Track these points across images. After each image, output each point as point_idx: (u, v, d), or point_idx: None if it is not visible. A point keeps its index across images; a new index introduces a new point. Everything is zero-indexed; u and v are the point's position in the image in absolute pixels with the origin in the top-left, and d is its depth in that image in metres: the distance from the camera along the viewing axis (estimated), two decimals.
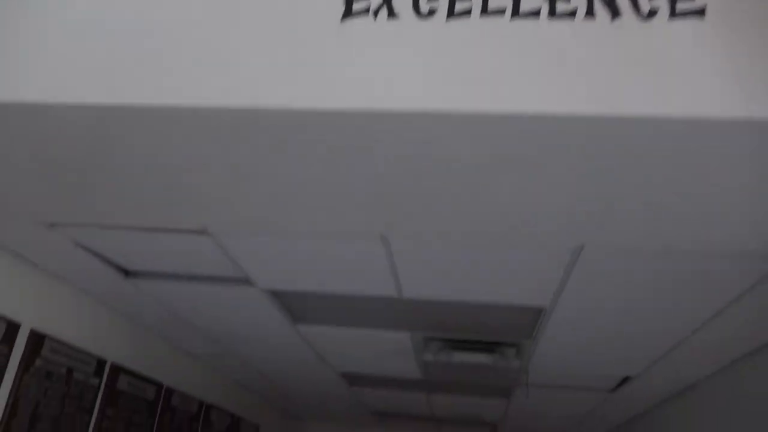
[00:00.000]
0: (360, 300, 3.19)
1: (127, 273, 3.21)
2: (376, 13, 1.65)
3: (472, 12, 1.60)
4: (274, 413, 7.17)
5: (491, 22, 1.59)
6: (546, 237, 2.18)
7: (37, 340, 3.16)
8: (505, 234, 2.19)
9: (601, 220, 2.01)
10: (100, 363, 3.71)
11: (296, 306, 3.44)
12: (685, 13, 1.51)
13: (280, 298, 3.30)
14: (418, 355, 4.21)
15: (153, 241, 2.69)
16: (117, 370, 3.90)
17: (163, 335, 4.39)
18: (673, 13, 1.52)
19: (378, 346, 4.07)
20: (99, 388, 3.70)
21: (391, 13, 1.64)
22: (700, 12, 1.51)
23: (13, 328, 3.00)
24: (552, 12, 1.57)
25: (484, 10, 1.60)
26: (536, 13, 1.57)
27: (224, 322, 3.85)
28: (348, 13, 1.67)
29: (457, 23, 1.60)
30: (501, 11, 1.59)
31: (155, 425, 4.40)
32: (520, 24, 1.57)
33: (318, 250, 2.58)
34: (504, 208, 2.00)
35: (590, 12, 1.56)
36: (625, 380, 4.12)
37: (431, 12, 1.62)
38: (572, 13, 1.56)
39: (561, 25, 1.56)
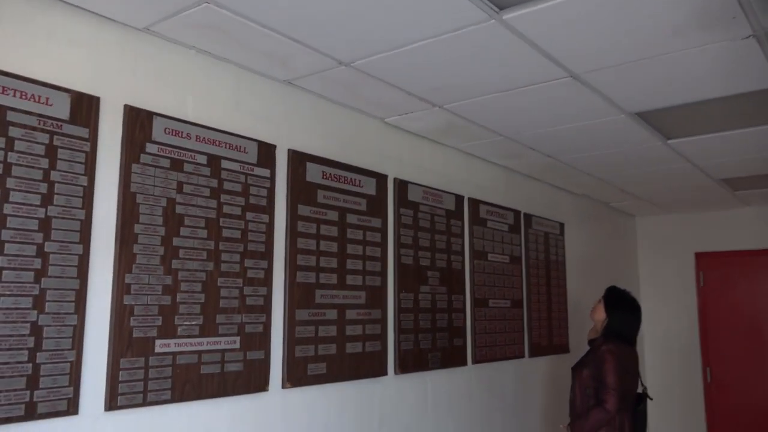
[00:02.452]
0: None
1: None
2: None
3: None
4: (584, 207, 5.71)
5: None
6: None
7: (136, 117, 2.32)
8: None
9: None
10: (266, 147, 2.78)
11: None
12: None
13: None
14: (758, 25, 2.26)
15: None
16: (301, 157, 2.95)
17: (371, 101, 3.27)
18: None
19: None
20: (273, 180, 2.79)
21: None
22: None
23: (85, 100, 2.17)
24: None
25: None
26: None
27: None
28: None
29: None
30: None
31: (396, 227, 3.42)
32: None
33: None
34: None
35: None
36: None
37: None
38: None
39: None
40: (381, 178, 3.39)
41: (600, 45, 2.47)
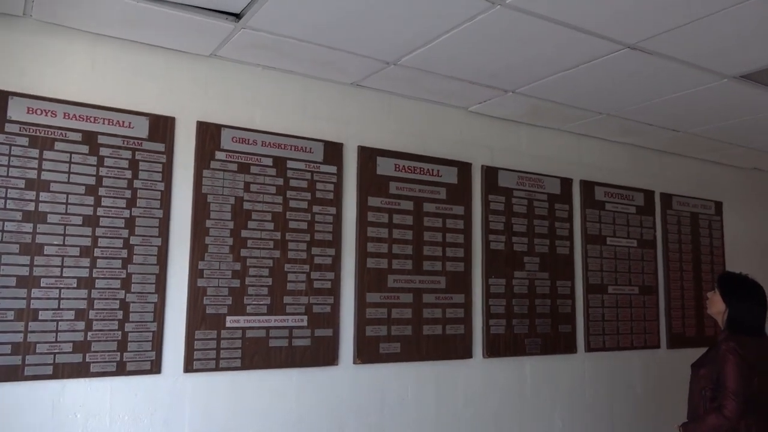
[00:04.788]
0: None
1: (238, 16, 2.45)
2: None
3: None
4: (756, 183, 5.03)
5: None
6: None
7: (206, 131, 2.77)
8: None
9: None
10: (332, 146, 3.07)
11: None
12: None
13: None
14: None
15: None
16: (371, 152, 3.19)
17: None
18: None
19: None
20: (340, 175, 3.08)
21: None
22: None
23: (162, 121, 2.67)
24: None
25: None
26: None
27: None
28: None
29: None
30: None
31: (484, 214, 3.48)
32: None
33: None
34: None
35: None
36: None
37: None
38: None
39: None
40: (464, 167, 3.48)
41: (636, 11, 2.31)
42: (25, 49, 2.45)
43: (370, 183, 3.17)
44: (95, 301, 2.47)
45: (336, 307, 2.98)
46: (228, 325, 2.72)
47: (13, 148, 2.38)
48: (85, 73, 2.56)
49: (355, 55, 2.76)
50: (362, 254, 3.09)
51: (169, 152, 2.68)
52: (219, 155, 2.79)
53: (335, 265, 3.00)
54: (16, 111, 2.40)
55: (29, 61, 2.46)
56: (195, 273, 2.68)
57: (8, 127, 2.38)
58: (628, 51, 2.65)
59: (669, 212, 4.38)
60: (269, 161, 2.90)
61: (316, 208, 2.99)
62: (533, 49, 2.66)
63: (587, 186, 3.98)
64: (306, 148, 3.00)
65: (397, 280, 3.18)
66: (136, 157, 2.61)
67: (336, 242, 3.02)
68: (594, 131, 3.94)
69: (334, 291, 2.99)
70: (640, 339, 4.09)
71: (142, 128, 2.63)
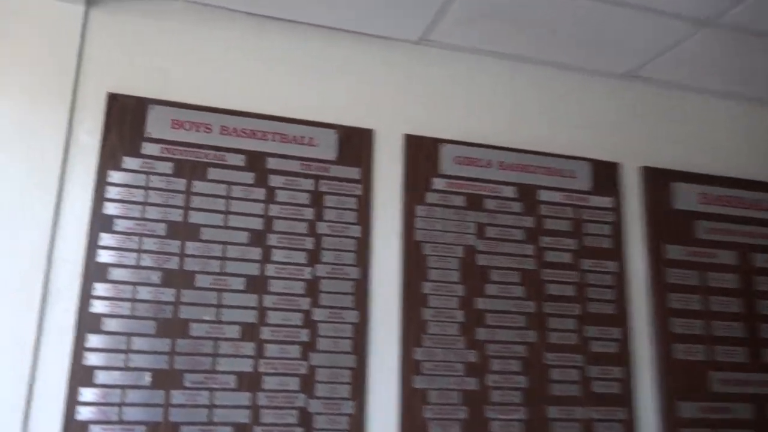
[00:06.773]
0: None
1: None
2: None
3: None
4: None
5: None
6: None
7: (418, 147, 1.84)
8: None
9: None
10: (604, 167, 1.99)
11: None
12: None
13: None
14: None
15: None
16: (663, 177, 2.05)
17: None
18: None
19: None
20: (618, 211, 1.97)
21: None
22: None
23: (355, 135, 1.80)
24: None
25: None
26: None
27: None
28: None
29: None
30: None
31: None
32: None
33: None
34: None
35: None
36: None
37: None
38: None
39: None
40: None
41: None
42: (167, 38, 1.74)
43: (664, 222, 2.02)
44: (262, 412, 1.56)
45: (629, 425, 1.81)
46: None
47: (151, 177, 1.63)
48: (246, 71, 1.79)
49: (658, 13, 1.71)
50: (662, 336, 1.91)
51: (366, 180, 1.78)
52: (437, 183, 1.84)
53: (623, 355, 1.85)
54: (157, 125, 1.66)
55: (182, 56, 1.74)
56: (409, 367, 1.69)
57: (146, 148, 1.64)
58: None
59: None
60: (511, 191, 1.89)
61: (585, 263, 1.89)
62: None
63: None
64: (564, 171, 1.95)
65: (725, 380, 1.93)
66: (320, 188, 1.74)
67: (621, 317, 1.88)
68: None
69: (625, 399, 1.82)
70: None
71: (328, 146, 1.77)
